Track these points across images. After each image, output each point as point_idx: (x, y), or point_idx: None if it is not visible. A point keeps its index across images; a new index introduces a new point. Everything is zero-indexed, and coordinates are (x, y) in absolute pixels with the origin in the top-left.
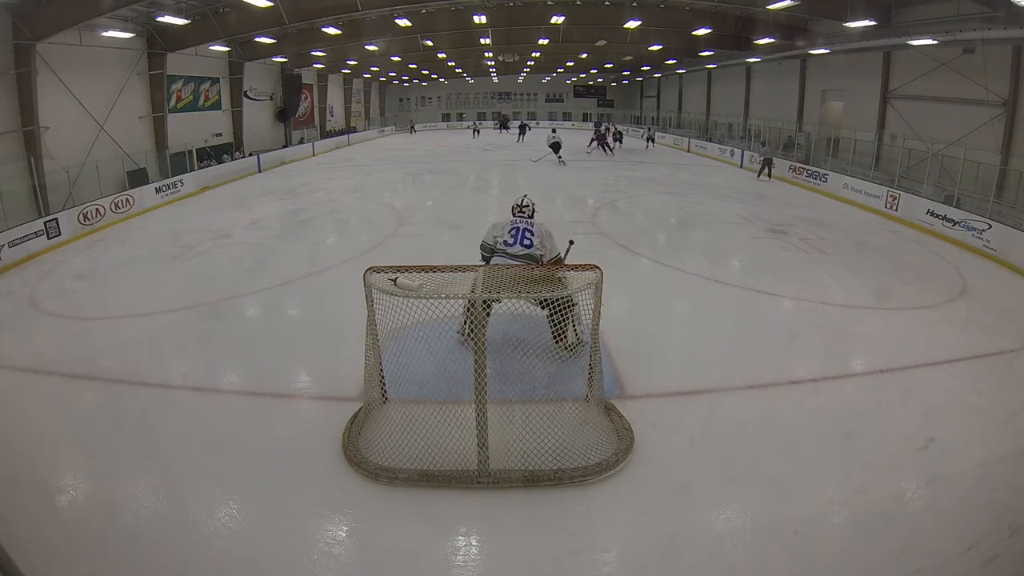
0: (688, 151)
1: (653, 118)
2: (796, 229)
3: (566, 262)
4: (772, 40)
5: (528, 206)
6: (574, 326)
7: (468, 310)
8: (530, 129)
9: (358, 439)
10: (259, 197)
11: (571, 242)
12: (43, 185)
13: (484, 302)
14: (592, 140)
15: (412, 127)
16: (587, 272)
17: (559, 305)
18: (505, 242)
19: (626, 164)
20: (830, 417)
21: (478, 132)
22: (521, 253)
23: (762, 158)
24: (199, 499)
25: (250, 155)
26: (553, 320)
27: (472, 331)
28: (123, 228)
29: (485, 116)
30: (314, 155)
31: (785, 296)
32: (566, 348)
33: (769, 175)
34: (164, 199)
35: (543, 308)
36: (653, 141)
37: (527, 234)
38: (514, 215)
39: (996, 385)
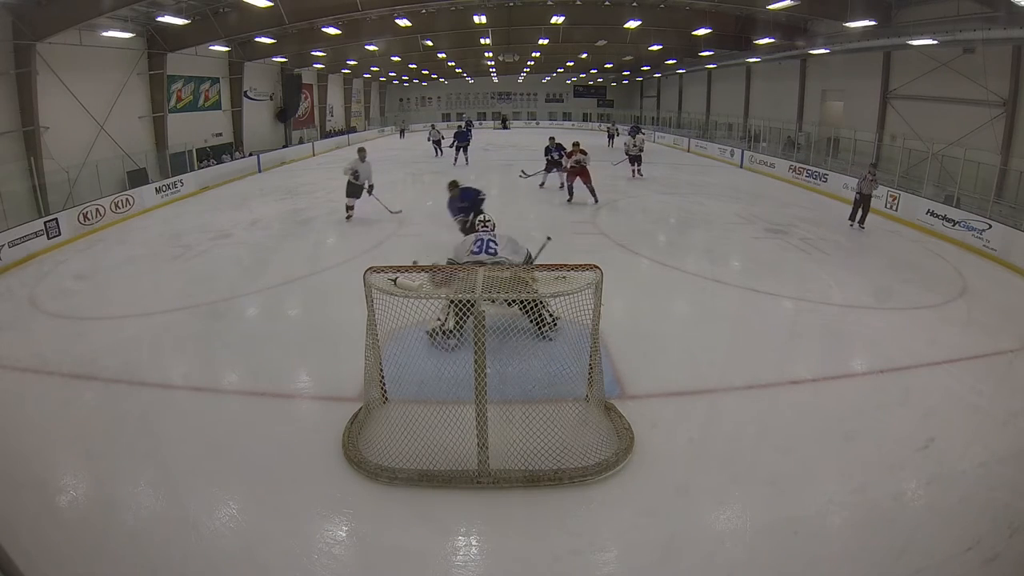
0: (688, 151)
1: (654, 118)
2: (796, 229)
3: (542, 258)
4: (772, 40)
5: (490, 220)
6: (546, 308)
7: (459, 310)
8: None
9: (358, 439)
10: (259, 197)
11: (548, 238)
12: (43, 185)
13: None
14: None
15: (401, 131)
16: (587, 272)
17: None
18: (472, 251)
19: (625, 164)
20: (830, 417)
21: (463, 148)
22: (489, 261)
23: (859, 192)
24: (199, 499)
25: (250, 155)
26: (526, 311)
27: (474, 330)
28: (123, 228)
29: (485, 116)
30: (314, 155)
31: (785, 296)
32: (548, 328)
33: (863, 220)
34: (164, 199)
35: (511, 306)
36: (638, 166)
37: (491, 244)
38: (477, 229)
39: (996, 385)
